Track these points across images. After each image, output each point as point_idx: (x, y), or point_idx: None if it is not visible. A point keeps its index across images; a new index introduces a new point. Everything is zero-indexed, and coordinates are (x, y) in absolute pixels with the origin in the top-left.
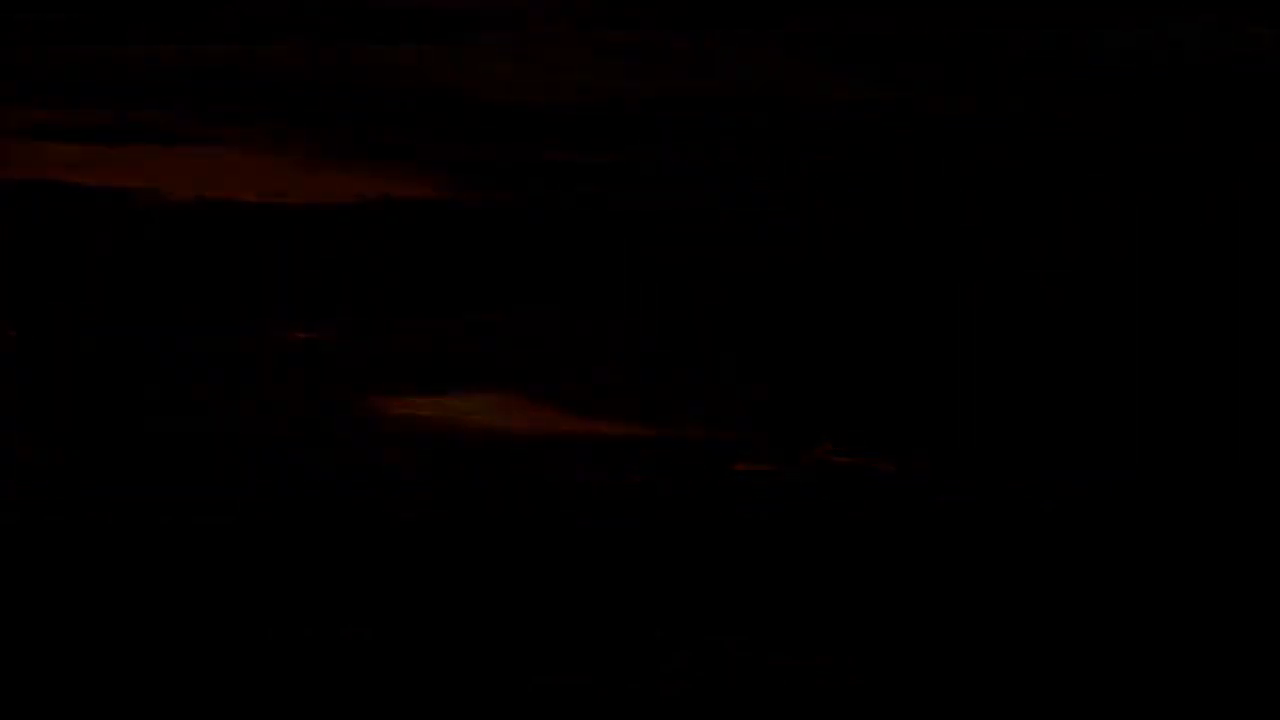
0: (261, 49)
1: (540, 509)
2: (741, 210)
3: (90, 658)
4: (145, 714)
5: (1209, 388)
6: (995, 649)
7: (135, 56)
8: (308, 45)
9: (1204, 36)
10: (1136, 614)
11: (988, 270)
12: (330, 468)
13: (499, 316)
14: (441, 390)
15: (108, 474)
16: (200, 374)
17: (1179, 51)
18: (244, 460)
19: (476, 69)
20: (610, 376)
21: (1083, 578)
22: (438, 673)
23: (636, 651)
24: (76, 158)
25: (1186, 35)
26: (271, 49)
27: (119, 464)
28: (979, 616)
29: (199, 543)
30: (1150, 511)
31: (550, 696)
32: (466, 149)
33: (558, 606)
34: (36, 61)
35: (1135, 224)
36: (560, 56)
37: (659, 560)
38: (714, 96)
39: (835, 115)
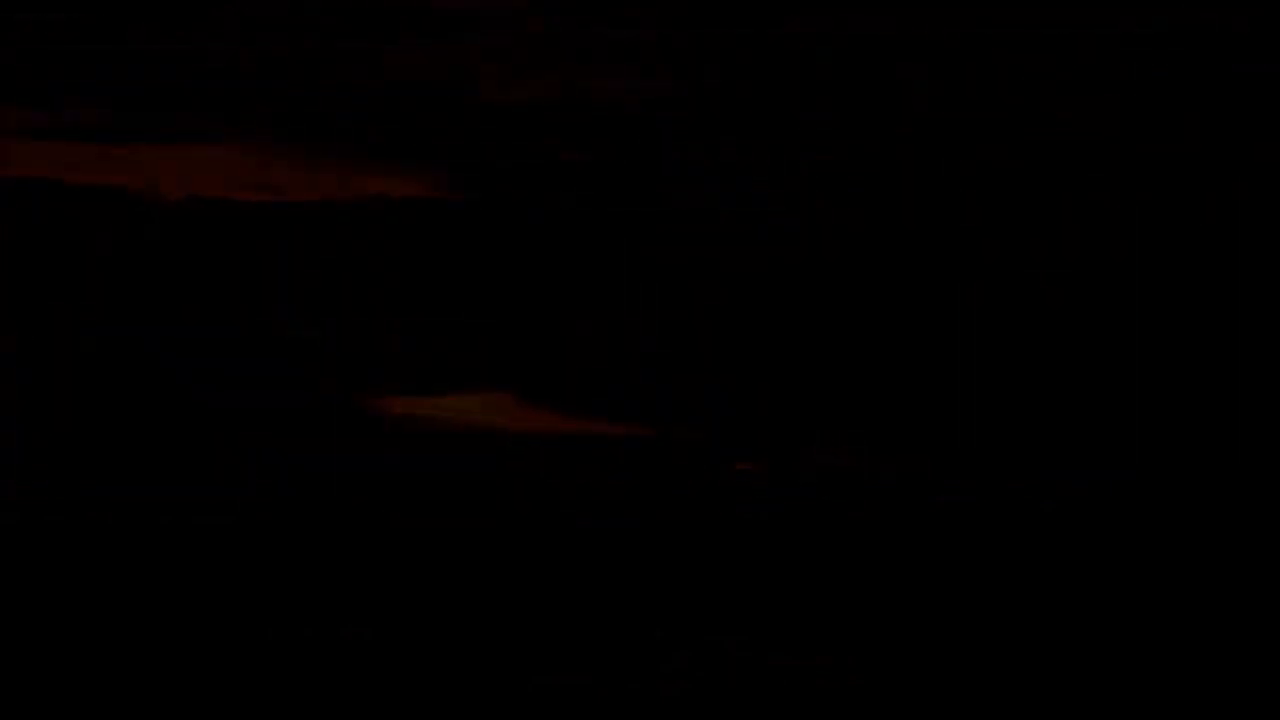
0: (261, 49)
1: (538, 509)
2: (741, 210)
3: (90, 658)
4: (145, 714)
5: (1209, 388)
6: (995, 649)
7: (135, 56)
8: (308, 45)
9: (1204, 36)
10: (1137, 614)
11: (988, 270)
12: (330, 468)
13: (497, 316)
14: (440, 390)
15: (107, 474)
16: (198, 373)
17: (1179, 51)
18: (243, 460)
19: (476, 69)
20: (610, 376)
21: (1083, 578)
22: (438, 673)
23: (636, 651)
24: (75, 157)
25: (1186, 35)
26: (271, 49)
27: (118, 464)
28: (979, 616)
29: (199, 543)
30: (1150, 511)
31: (550, 696)
32: (466, 149)
33: (557, 606)
34: (36, 61)
35: (1135, 224)
36: (560, 56)
37: (658, 560)
38: (714, 96)
39: (835, 115)
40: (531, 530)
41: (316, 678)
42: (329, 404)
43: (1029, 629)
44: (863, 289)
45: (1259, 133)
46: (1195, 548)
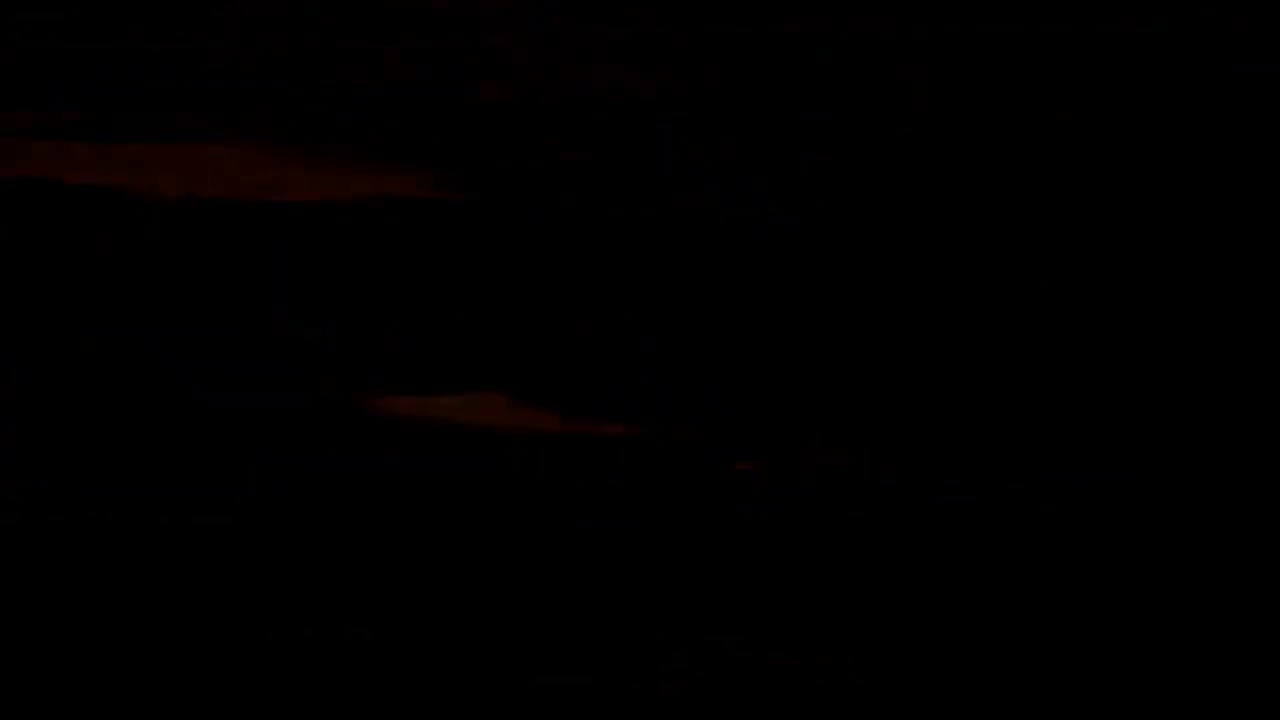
0: (261, 49)
1: (539, 509)
2: (741, 210)
3: (91, 657)
4: (145, 714)
5: (1209, 388)
6: (995, 649)
7: (135, 56)
8: (308, 45)
9: (1204, 36)
10: (1136, 613)
11: (988, 270)
12: (329, 468)
13: (497, 316)
14: (440, 390)
15: (107, 474)
16: (198, 373)
17: (1179, 51)
18: (243, 460)
19: (476, 69)
20: (610, 376)
21: (1082, 578)
22: (438, 673)
23: (636, 651)
24: (75, 157)
25: (1186, 35)
26: (271, 49)
27: (118, 464)
28: (979, 616)
29: (199, 543)
30: (1150, 511)
31: (550, 696)
32: (466, 149)
33: (557, 606)
34: (36, 61)
35: (1135, 224)
36: (560, 56)
37: (658, 560)
38: (714, 96)
39: (835, 115)
40: (531, 530)
41: (316, 678)
42: (329, 404)
43: (1029, 629)
44: (863, 289)
45: (1259, 133)
46: (1195, 548)
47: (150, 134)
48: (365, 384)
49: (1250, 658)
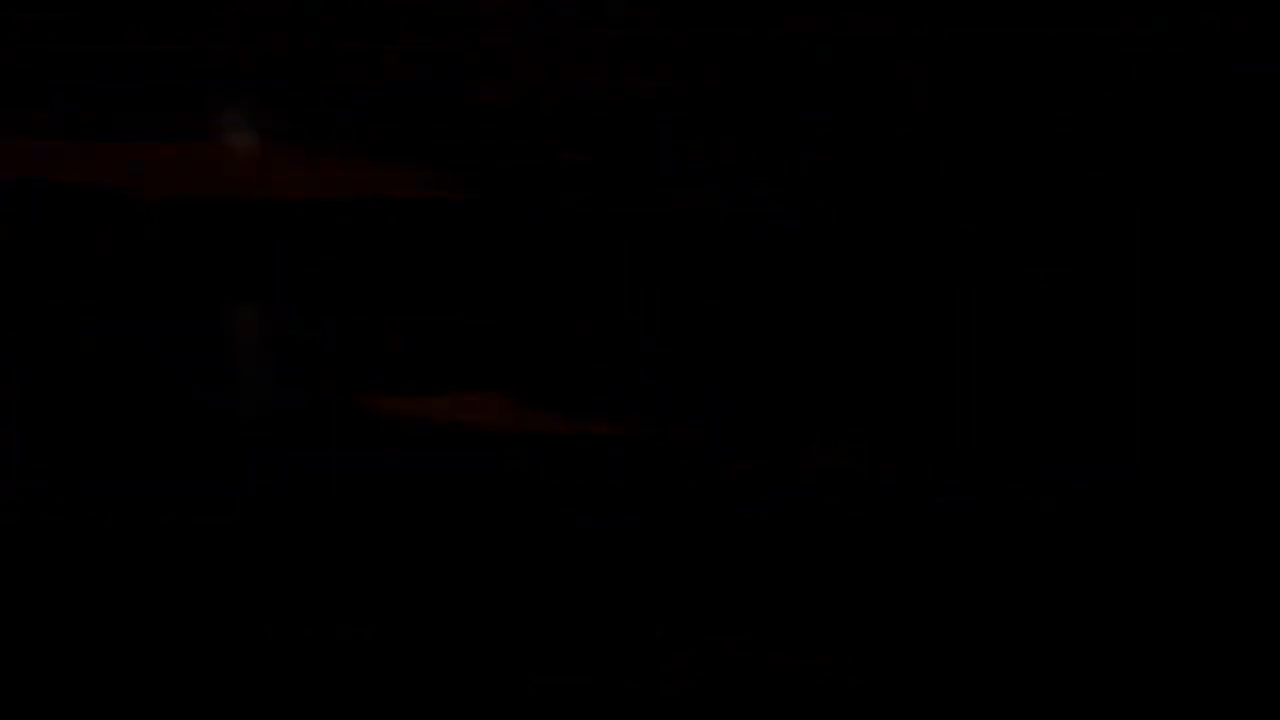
0: (261, 49)
1: (538, 509)
2: (741, 210)
3: (91, 657)
4: (146, 714)
5: (1209, 388)
6: (995, 649)
7: (135, 56)
8: (308, 45)
9: (1204, 36)
10: (1137, 614)
11: (988, 270)
12: (328, 468)
13: (497, 316)
14: (440, 390)
15: (107, 474)
16: (195, 373)
17: (1179, 51)
18: (243, 460)
19: (476, 69)
20: (610, 376)
21: (1082, 578)
22: (438, 673)
23: (636, 651)
24: (74, 157)
25: (1186, 35)
26: (271, 49)
27: (118, 464)
28: (979, 616)
29: (199, 543)
30: (1150, 511)
31: (550, 696)
32: (466, 149)
33: (557, 606)
34: (36, 61)
35: (1135, 224)
36: (560, 56)
37: (658, 560)
38: (714, 96)
39: (835, 115)
40: (531, 530)
41: (316, 678)
42: (329, 404)
43: (1029, 629)
44: (863, 289)
45: (1259, 133)
46: (1196, 548)
47: (150, 134)
48: (365, 384)
49: (1250, 658)
